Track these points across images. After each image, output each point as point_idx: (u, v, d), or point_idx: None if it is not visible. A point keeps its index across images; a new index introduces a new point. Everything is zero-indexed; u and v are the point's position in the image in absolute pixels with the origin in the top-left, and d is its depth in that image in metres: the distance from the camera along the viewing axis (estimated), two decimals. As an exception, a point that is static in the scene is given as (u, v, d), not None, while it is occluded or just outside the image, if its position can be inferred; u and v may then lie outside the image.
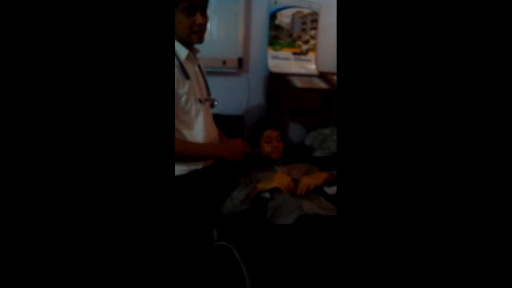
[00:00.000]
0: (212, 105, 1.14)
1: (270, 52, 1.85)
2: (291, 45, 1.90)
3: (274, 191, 1.11)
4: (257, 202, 1.11)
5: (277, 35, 1.85)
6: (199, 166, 1.07)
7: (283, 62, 1.88)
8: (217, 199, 1.15)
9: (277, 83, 1.78)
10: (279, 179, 1.08)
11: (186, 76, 0.98)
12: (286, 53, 1.90)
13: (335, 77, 1.94)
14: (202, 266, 0.99)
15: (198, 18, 0.93)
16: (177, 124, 0.99)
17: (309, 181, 1.10)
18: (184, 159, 1.02)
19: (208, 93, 1.14)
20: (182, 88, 0.97)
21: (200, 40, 0.98)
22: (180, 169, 1.02)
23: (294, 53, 1.92)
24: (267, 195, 1.11)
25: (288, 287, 0.84)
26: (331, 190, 1.19)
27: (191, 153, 1.03)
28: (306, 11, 1.88)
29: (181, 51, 0.99)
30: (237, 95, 1.85)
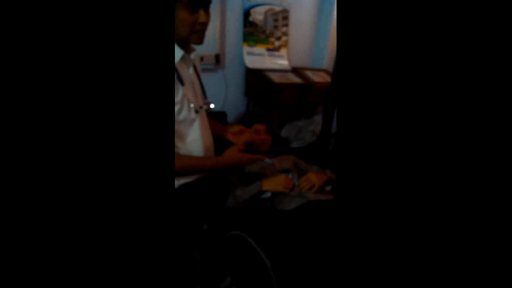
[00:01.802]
0: (208, 110, 1.09)
1: (246, 48, 1.89)
2: (264, 41, 1.96)
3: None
4: (258, 201, 1.14)
5: (251, 32, 1.90)
6: (190, 178, 1.02)
7: (258, 58, 1.94)
8: (209, 210, 1.14)
9: (255, 78, 1.83)
10: (285, 183, 1.09)
11: (180, 81, 0.91)
12: (260, 49, 1.95)
13: (307, 72, 2.05)
14: (214, 259, 1.01)
15: (201, 16, 0.83)
16: None
17: (314, 180, 1.15)
18: (184, 174, 1.00)
19: (204, 96, 1.08)
20: (175, 97, 0.89)
21: (201, 40, 0.90)
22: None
23: (268, 49, 1.99)
24: (269, 194, 1.13)
25: (302, 271, 0.88)
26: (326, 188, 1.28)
27: (195, 168, 1.01)
28: (277, 8, 1.95)
29: (175, 52, 0.89)
30: (215, 91, 1.86)
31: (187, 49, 0.95)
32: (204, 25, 0.87)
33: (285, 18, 2.00)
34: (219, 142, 1.21)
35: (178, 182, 1.01)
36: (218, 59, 1.80)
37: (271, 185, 1.11)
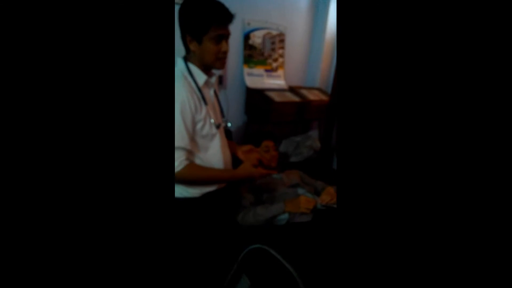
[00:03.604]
0: (226, 127, 1.20)
1: (246, 69, 2.00)
2: (263, 63, 2.08)
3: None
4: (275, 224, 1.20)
5: (251, 54, 2.01)
6: (212, 188, 1.12)
7: (258, 78, 2.05)
8: (228, 220, 1.20)
9: (256, 98, 1.93)
10: (306, 204, 1.17)
11: (204, 101, 1.03)
12: (259, 70, 2.07)
13: (302, 91, 2.17)
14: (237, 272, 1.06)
15: (224, 46, 0.98)
16: (193, 147, 1.03)
17: (332, 192, 1.26)
18: (204, 184, 1.09)
19: (222, 116, 1.20)
20: (199, 114, 1.00)
21: (223, 66, 1.04)
22: (192, 192, 1.08)
23: (266, 70, 2.11)
24: (286, 217, 1.19)
25: (328, 278, 0.93)
26: None
27: (214, 178, 1.10)
28: (274, 32, 2.09)
29: (200, 77, 1.02)
30: (218, 110, 1.94)
31: (209, 74, 1.08)
32: (226, 53, 1.01)
33: (282, 41, 2.14)
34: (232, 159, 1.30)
35: (201, 191, 1.10)
36: (221, 80, 1.89)
37: (293, 207, 1.19)
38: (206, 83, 1.06)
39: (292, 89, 2.15)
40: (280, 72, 2.17)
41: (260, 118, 1.92)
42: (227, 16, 0.96)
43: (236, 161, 1.25)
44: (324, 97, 2.20)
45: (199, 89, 1.03)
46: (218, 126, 1.09)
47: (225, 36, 0.98)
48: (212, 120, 1.07)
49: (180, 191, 1.07)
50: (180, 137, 0.96)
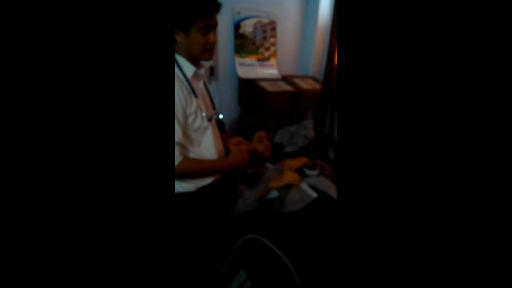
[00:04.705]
0: (217, 119, 1.19)
1: (237, 59, 1.97)
2: (255, 52, 2.05)
3: (282, 188, 1.21)
4: (266, 201, 1.21)
5: (242, 44, 1.98)
6: (208, 181, 1.12)
7: (250, 68, 2.02)
8: (223, 213, 1.20)
9: (248, 88, 1.91)
10: (289, 176, 1.19)
11: (194, 94, 1.02)
12: (251, 59, 2.04)
13: (296, 80, 2.15)
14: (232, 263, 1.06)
15: (212, 37, 0.96)
16: (185, 141, 1.02)
17: (291, 162, 1.32)
18: (200, 176, 1.08)
19: (213, 107, 1.18)
20: (190, 108, 0.99)
21: (211, 57, 1.02)
22: (187, 187, 1.07)
23: (258, 59, 2.08)
24: (276, 193, 1.20)
25: (322, 268, 0.93)
26: (310, 172, 1.39)
27: (209, 169, 1.10)
28: (265, 20, 2.05)
29: (188, 68, 1.00)
30: (210, 102, 1.92)
31: (197, 66, 1.05)
32: (214, 44, 1.00)
33: (273, 29, 2.10)
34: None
35: (196, 185, 1.09)
36: (212, 71, 1.86)
37: (276, 182, 1.20)
38: (195, 75, 1.04)
39: (285, 78, 2.12)
40: (272, 61, 2.15)
41: (254, 109, 1.90)
42: (215, 6, 0.94)
43: (228, 154, 1.25)
44: (317, 86, 2.18)
45: (188, 81, 1.01)
46: (209, 119, 1.08)
47: (213, 26, 0.96)
48: (204, 114, 1.05)
49: (175, 186, 1.06)
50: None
